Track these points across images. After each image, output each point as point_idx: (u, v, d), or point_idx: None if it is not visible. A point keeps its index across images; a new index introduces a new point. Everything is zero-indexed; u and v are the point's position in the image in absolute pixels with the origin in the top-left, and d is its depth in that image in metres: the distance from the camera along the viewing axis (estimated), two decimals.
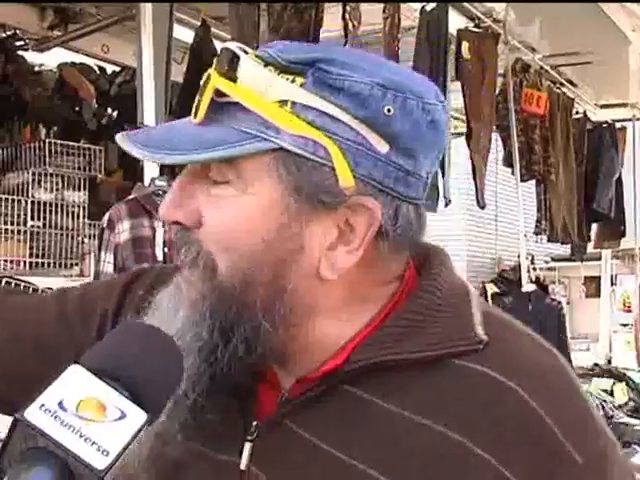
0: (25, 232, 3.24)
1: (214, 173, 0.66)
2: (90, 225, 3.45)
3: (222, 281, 0.66)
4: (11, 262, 3.18)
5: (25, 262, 3.23)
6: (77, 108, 3.49)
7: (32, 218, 3.29)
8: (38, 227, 3.30)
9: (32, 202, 3.31)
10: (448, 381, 0.66)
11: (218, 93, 0.64)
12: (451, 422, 0.64)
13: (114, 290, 0.81)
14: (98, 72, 3.54)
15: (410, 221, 0.67)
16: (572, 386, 0.69)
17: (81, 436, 0.54)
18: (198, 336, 0.66)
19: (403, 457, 0.64)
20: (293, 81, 0.63)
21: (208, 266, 0.66)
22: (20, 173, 3.36)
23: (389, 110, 0.63)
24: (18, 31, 3.12)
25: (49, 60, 3.40)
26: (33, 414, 0.54)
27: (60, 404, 0.55)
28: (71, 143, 3.51)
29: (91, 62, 3.45)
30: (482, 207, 4.03)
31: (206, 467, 0.71)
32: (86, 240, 3.46)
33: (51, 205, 3.40)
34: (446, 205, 3.45)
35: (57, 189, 3.41)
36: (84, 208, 3.50)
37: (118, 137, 0.66)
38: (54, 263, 3.33)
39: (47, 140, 3.37)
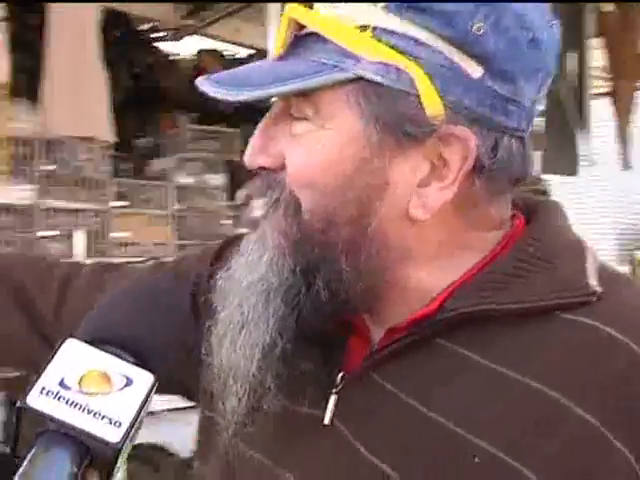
0: (170, 216, 3.41)
1: (294, 110, 0.63)
2: (230, 207, 3.58)
3: (305, 220, 0.64)
4: (158, 244, 3.36)
5: (171, 244, 3.41)
6: None
7: (176, 202, 3.46)
8: (182, 210, 3.46)
9: (175, 187, 3.48)
10: (554, 336, 0.61)
11: (298, 27, 0.62)
12: (553, 380, 0.59)
13: (208, 256, 0.81)
14: (232, 56, 3.64)
15: (511, 157, 0.62)
16: None
17: (89, 412, 0.53)
18: (281, 280, 0.64)
19: (498, 418, 0.60)
20: (374, 4, 0.59)
21: (291, 206, 0.64)
22: (163, 160, 3.54)
23: (479, 28, 0.58)
24: (155, 23, 3.28)
25: (182, 48, 3.56)
26: (36, 400, 0.53)
27: (61, 383, 0.54)
28: (209, 128, 3.66)
29: (224, 47, 3.56)
30: (628, 169, 3.81)
31: (287, 421, 0.69)
32: (227, 221, 3.60)
33: (193, 189, 3.56)
34: (589, 166, 3.27)
35: (198, 173, 3.57)
36: (224, 190, 3.63)
37: (199, 80, 0.64)
38: (198, 244, 3.48)
39: (187, 126, 3.53)
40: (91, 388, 0.54)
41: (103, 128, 2.73)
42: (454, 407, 0.61)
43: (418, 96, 0.59)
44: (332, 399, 0.67)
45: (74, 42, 2.60)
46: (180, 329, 0.63)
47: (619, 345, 0.58)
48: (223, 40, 3.42)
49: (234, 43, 3.46)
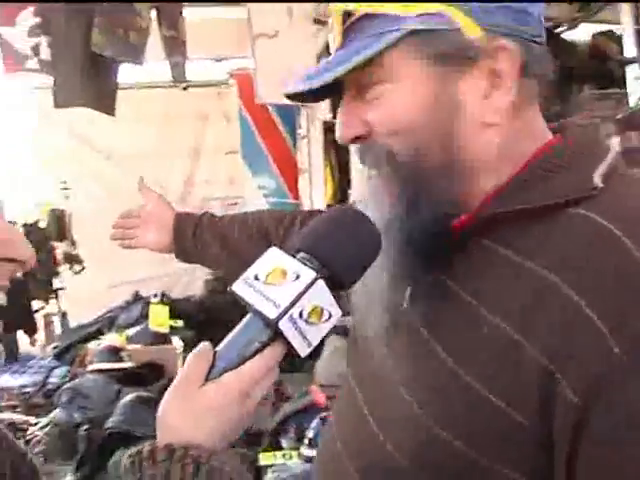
0: None
1: (366, 81, 0.72)
2: None
3: (402, 160, 0.71)
4: None
5: None
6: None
7: None
8: None
9: None
10: (559, 227, 0.65)
11: (348, 17, 0.71)
12: (552, 264, 0.63)
13: None
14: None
15: (542, 61, 0.70)
16: None
17: (264, 296, 0.69)
18: (397, 216, 0.74)
19: (509, 301, 0.66)
20: None
21: (385, 154, 0.72)
22: None
23: None
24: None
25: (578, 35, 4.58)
26: (237, 285, 0.71)
27: (255, 276, 0.71)
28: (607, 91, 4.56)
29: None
30: None
31: (382, 309, 0.80)
32: None
33: None
34: None
35: None
36: None
37: (295, 81, 0.75)
38: None
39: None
40: (272, 280, 0.69)
41: None
42: (487, 297, 0.68)
43: (459, 29, 0.66)
44: (408, 290, 0.76)
45: None
46: (365, 248, 0.73)
47: (611, 235, 0.62)
48: (609, 23, 4.36)
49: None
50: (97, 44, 2.43)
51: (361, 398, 0.83)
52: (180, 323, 4.92)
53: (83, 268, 6.07)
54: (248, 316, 0.73)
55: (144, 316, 4.59)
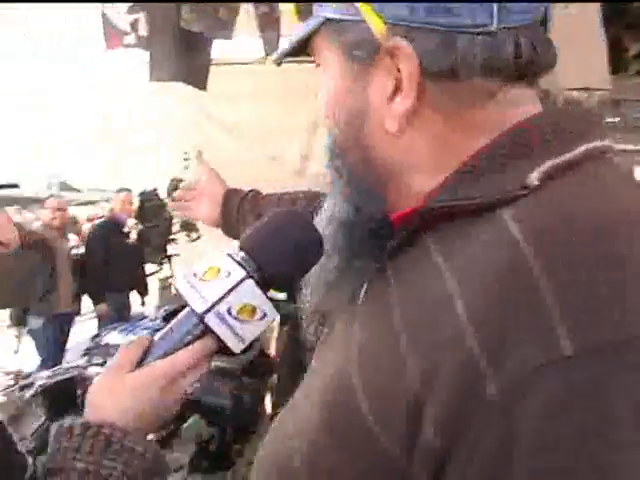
0: None
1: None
2: None
3: (332, 149, 0.72)
4: None
5: None
6: None
7: None
8: None
9: None
10: (478, 229, 0.59)
11: None
12: (457, 270, 0.58)
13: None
14: None
15: (474, 55, 0.61)
16: (613, 254, 0.52)
17: (197, 291, 0.72)
18: (338, 209, 0.73)
19: (415, 307, 0.61)
20: None
21: (327, 142, 0.73)
22: None
23: None
24: None
25: None
26: (179, 281, 0.75)
27: (194, 273, 0.74)
28: None
29: None
30: None
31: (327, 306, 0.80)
32: None
33: None
34: None
35: None
36: None
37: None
38: None
39: None
40: (207, 277, 0.72)
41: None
42: (404, 300, 0.63)
43: (364, 21, 0.63)
44: (364, 286, 0.73)
45: None
46: (303, 251, 0.74)
47: (510, 243, 0.55)
48: None
49: None
50: (186, 20, 2.48)
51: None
52: (282, 296, 4.99)
53: (199, 237, 6.32)
54: (185, 310, 0.75)
55: None
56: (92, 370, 3.25)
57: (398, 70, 0.62)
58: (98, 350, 3.88)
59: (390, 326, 0.61)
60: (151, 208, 6.32)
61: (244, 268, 0.72)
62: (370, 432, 0.58)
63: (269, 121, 6.61)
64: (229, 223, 1.45)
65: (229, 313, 0.71)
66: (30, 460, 0.83)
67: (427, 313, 0.58)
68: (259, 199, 1.45)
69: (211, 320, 0.71)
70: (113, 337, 4.10)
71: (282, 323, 4.50)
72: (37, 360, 5.08)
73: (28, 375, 4.22)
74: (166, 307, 5.02)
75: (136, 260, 5.61)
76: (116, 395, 0.73)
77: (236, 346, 0.73)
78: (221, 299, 0.70)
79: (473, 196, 0.60)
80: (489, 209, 0.59)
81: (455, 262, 0.59)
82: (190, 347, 0.73)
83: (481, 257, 0.56)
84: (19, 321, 4.86)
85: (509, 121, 0.64)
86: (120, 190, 5.66)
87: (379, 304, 0.66)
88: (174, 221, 6.29)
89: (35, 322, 4.91)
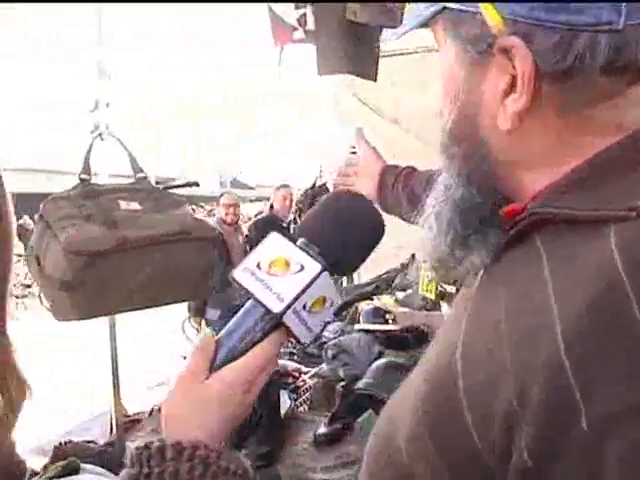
0: None
1: None
2: None
3: (446, 135, 0.71)
4: None
5: None
6: None
7: None
8: None
9: None
10: (584, 247, 0.56)
11: None
12: (560, 291, 0.55)
13: None
14: None
15: (597, 55, 0.57)
16: None
17: (267, 287, 0.67)
18: (453, 191, 0.72)
19: (515, 319, 0.58)
20: None
21: (444, 127, 0.71)
22: None
23: None
24: None
25: None
26: (238, 273, 0.70)
27: (257, 264, 0.69)
28: None
29: None
30: None
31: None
32: None
33: None
34: None
35: None
36: None
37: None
38: None
39: None
40: (275, 270, 0.67)
41: None
42: (505, 301, 0.60)
43: (481, 14, 0.61)
44: (478, 278, 0.70)
45: None
46: (366, 234, 0.74)
47: (611, 273, 0.52)
48: None
49: None
50: (352, 11, 2.46)
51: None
52: (452, 289, 4.91)
53: None
54: (249, 304, 0.71)
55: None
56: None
57: (513, 68, 0.61)
58: None
59: (494, 327, 0.59)
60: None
61: (316, 260, 0.68)
62: (467, 431, 0.58)
63: (433, 109, 6.57)
64: (385, 199, 1.47)
65: (304, 308, 0.68)
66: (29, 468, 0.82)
67: (528, 325, 0.56)
68: (412, 176, 1.45)
69: (288, 318, 0.68)
70: None
71: None
72: None
73: None
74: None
75: None
76: (198, 407, 0.70)
77: (306, 338, 0.71)
78: (297, 297, 0.67)
79: (584, 207, 0.58)
80: (597, 222, 0.57)
81: (560, 278, 0.56)
82: (263, 345, 0.71)
83: (583, 281, 0.54)
84: (198, 312, 5.13)
85: (629, 125, 0.61)
86: (280, 186, 5.78)
87: (488, 300, 0.64)
88: None
89: (213, 313, 5.17)
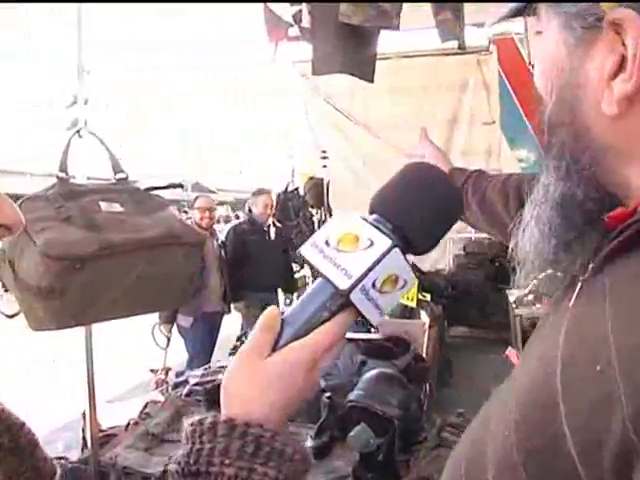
0: None
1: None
2: None
3: (545, 129, 0.66)
4: None
5: None
6: None
7: None
8: None
9: None
10: None
11: None
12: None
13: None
14: None
15: None
16: None
17: (335, 264, 0.65)
18: (555, 186, 0.65)
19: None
20: None
21: (542, 116, 0.67)
22: None
23: None
24: None
25: None
26: (306, 249, 0.68)
27: (326, 241, 0.66)
28: None
29: None
30: None
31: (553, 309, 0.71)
32: None
33: None
34: None
35: None
36: None
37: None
38: None
39: None
40: (344, 247, 0.65)
41: None
42: (622, 316, 0.54)
43: None
44: (578, 287, 0.64)
45: None
46: (443, 210, 0.69)
47: None
48: None
49: None
50: (344, 13, 2.36)
51: (485, 408, 0.74)
52: (428, 297, 4.91)
53: None
54: (318, 282, 0.68)
55: None
56: None
57: (623, 45, 0.56)
58: None
59: (600, 345, 0.52)
60: (293, 207, 6.38)
61: (387, 235, 0.64)
62: (569, 458, 0.51)
63: (407, 117, 6.61)
64: None
65: (374, 286, 0.64)
66: (58, 469, 0.82)
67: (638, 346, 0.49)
68: (482, 179, 1.38)
69: (356, 296, 0.64)
70: None
71: (430, 325, 4.40)
72: (183, 358, 5.22)
73: (181, 373, 4.32)
74: None
75: (279, 259, 5.63)
76: (259, 385, 0.66)
77: (376, 319, 0.67)
78: (366, 274, 0.63)
79: None
80: None
81: None
82: (329, 324, 0.67)
83: None
84: (169, 319, 5.00)
85: None
86: (260, 191, 5.69)
87: (590, 313, 0.58)
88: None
89: (185, 320, 5.03)
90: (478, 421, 0.70)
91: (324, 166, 6.61)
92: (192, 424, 0.67)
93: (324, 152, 6.61)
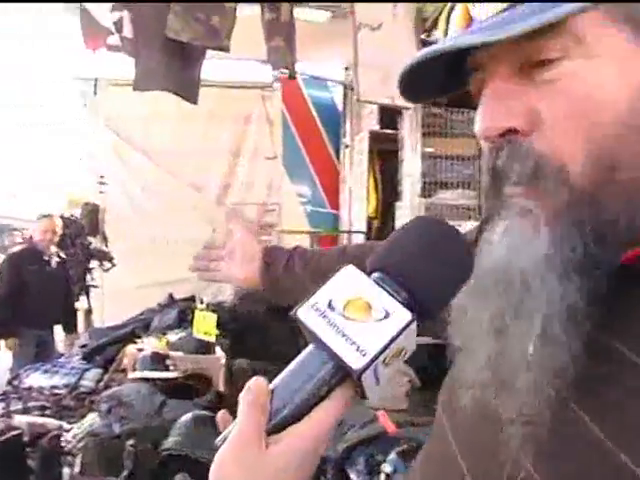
0: None
1: (537, 57, 0.54)
2: None
3: (579, 181, 0.54)
4: None
5: None
6: None
7: None
8: None
9: None
10: None
11: None
12: None
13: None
14: None
15: None
16: None
17: (343, 335, 0.55)
18: (564, 256, 0.55)
19: None
20: None
21: (556, 170, 0.54)
22: None
23: None
24: None
25: None
26: (305, 312, 0.56)
27: (329, 304, 0.56)
28: None
29: None
30: None
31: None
32: None
33: None
34: None
35: None
36: None
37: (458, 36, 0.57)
38: None
39: None
40: (352, 314, 0.55)
41: None
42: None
43: None
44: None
45: None
46: (458, 271, 0.59)
47: None
48: None
49: None
50: (172, 29, 2.20)
51: (456, 451, 0.69)
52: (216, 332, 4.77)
53: (113, 265, 5.98)
54: (311, 350, 0.58)
55: (182, 321, 4.43)
56: (21, 419, 2.97)
57: None
58: (18, 394, 3.56)
59: None
60: (70, 235, 5.91)
61: (405, 306, 0.55)
62: None
63: (190, 145, 6.52)
64: (274, 282, 1.31)
65: (383, 362, 0.56)
66: None
67: None
68: (310, 255, 1.32)
69: (366, 375, 0.55)
70: (35, 379, 3.75)
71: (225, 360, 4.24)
72: None
73: None
74: (84, 343, 4.67)
75: (58, 292, 5.20)
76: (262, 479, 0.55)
77: (374, 394, 0.59)
78: (382, 351, 0.54)
79: None
80: None
81: None
82: (331, 403, 0.57)
83: None
84: None
85: None
86: (42, 216, 5.23)
87: (609, 367, 0.54)
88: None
89: None
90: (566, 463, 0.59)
91: (101, 192, 6.24)
92: None
93: (102, 177, 6.25)
